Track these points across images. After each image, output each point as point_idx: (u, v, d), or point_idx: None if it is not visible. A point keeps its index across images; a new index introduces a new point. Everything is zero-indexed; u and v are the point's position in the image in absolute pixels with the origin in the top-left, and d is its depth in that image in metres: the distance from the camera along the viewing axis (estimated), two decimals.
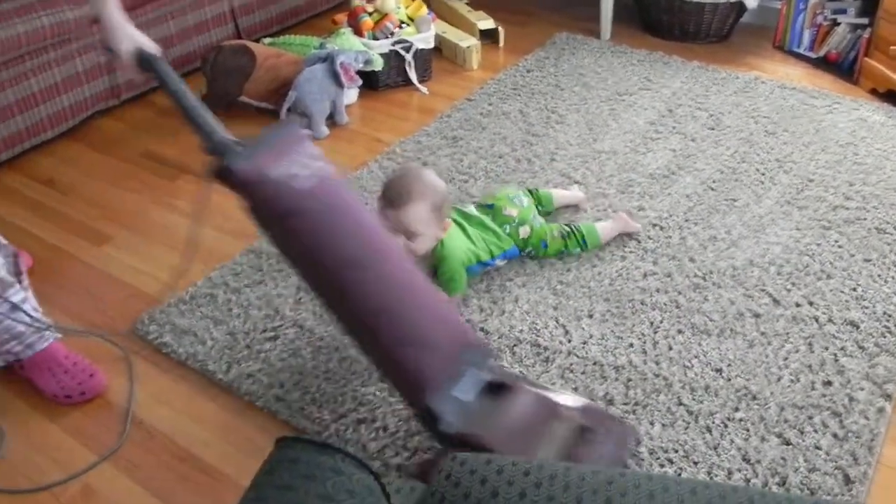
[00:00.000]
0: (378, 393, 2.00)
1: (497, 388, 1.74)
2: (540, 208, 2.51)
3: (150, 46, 1.88)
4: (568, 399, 1.79)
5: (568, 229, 2.41)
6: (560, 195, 2.63)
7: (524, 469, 1.10)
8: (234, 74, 3.20)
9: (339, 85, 3.08)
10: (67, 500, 1.85)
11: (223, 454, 1.93)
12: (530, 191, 2.55)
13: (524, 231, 2.35)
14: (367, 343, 1.75)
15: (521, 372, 2.03)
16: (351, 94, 3.32)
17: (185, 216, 2.75)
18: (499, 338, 2.15)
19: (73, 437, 2.00)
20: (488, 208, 2.39)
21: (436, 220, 2.13)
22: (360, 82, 3.14)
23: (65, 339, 2.19)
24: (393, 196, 2.10)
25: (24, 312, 2.02)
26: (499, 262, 2.35)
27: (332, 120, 3.20)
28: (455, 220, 2.28)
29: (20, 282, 2.06)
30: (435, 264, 2.20)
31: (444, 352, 1.72)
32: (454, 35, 3.68)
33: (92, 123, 3.35)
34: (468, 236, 2.27)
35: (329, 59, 3.07)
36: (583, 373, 2.02)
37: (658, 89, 3.32)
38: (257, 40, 3.60)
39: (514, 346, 2.12)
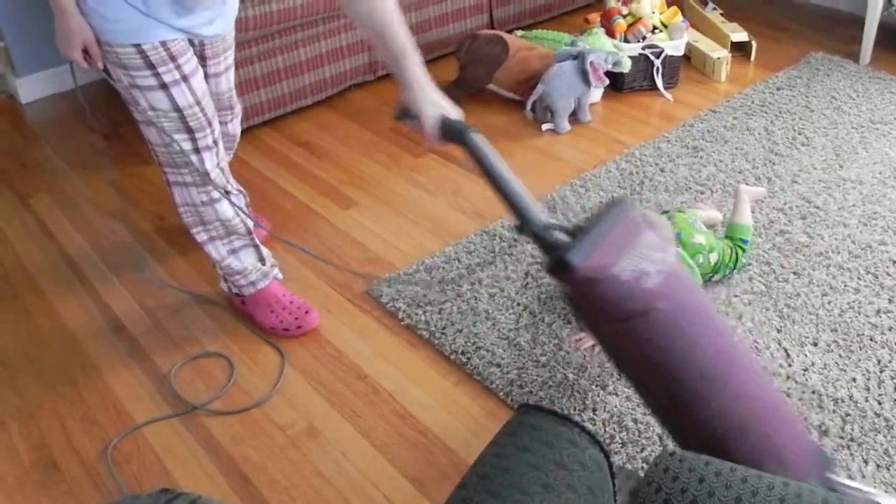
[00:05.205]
0: (597, 394, 2.07)
1: None
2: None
3: (456, 113, 1.70)
4: None
5: (731, 241, 2.38)
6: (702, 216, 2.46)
7: (742, 476, 1.13)
8: (487, 62, 3.32)
9: (587, 83, 3.13)
10: (294, 436, 2.03)
11: (439, 419, 2.04)
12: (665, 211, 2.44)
13: (713, 257, 2.30)
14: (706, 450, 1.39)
15: None
16: (596, 94, 3.37)
17: (426, 191, 2.90)
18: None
19: (302, 376, 2.20)
20: (676, 236, 2.29)
21: None
22: (607, 82, 3.18)
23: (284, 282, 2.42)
24: None
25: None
26: None
27: (574, 117, 3.25)
28: None
29: (249, 232, 2.27)
30: None
31: (793, 469, 1.48)
32: (705, 45, 3.65)
33: (348, 95, 3.58)
34: None
35: (579, 57, 3.13)
36: (799, 399, 2.00)
37: None
38: (510, 31, 3.71)
39: None
